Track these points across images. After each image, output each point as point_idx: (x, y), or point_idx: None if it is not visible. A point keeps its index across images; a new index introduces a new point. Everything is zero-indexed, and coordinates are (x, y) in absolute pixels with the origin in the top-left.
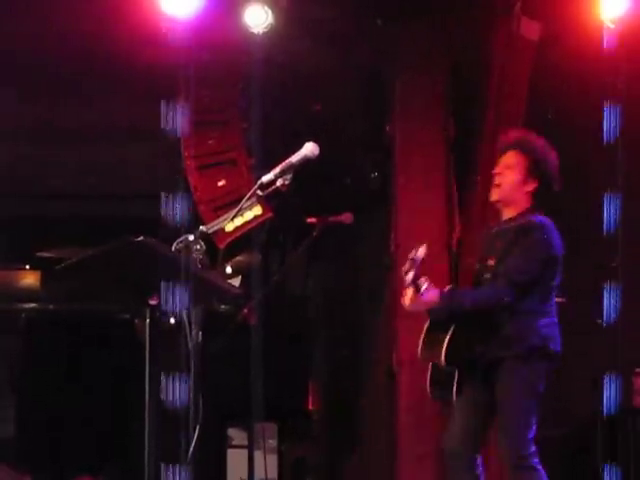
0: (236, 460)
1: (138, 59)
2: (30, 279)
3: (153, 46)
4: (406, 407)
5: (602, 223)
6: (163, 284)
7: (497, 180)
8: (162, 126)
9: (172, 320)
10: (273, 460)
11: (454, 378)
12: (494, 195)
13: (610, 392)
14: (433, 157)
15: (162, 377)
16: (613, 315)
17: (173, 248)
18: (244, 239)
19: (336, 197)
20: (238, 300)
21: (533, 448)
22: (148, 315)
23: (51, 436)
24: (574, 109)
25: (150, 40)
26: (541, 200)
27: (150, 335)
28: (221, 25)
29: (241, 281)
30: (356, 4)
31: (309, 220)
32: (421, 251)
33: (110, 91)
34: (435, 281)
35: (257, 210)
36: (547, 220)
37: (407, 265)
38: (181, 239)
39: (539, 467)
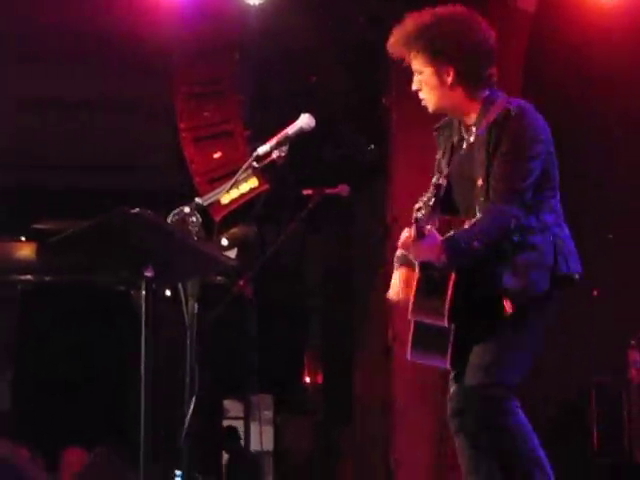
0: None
1: (134, 31)
2: (26, 251)
3: (149, 17)
4: (401, 381)
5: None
6: (159, 256)
7: (421, 95)
8: (158, 98)
9: (168, 292)
10: (269, 432)
11: (449, 337)
12: (429, 109)
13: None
14: (430, 127)
15: (159, 349)
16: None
17: (169, 220)
18: (240, 211)
19: (332, 169)
20: (234, 272)
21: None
22: (144, 287)
23: (47, 408)
24: (571, 81)
25: (146, 11)
26: None
27: (146, 306)
28: None
29: (237, 253)
30: None
31: (305, 192)
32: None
33: (107, 63)
34: None
35: (253, 182)
36: (524, 102)
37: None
38: (177, 211)
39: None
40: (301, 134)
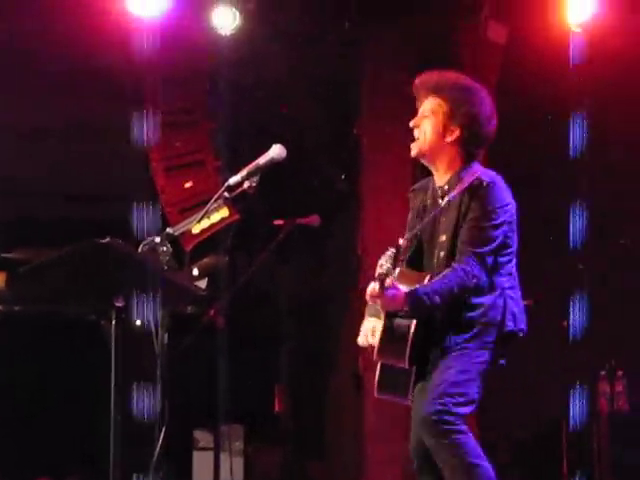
0: (202, 462)
1: (104, 59)
2: None
3: (120, 46)
4: (372, 410)
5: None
6: (129, 286)
7: (415, 134)
8: (129, 127)
9: (138, 322)
10: (239, 462)
11: (410, 377)
12: (413, 150)
13: (577, 396)
14: (401, 158)
15: (128, 380)
16: (581, 319)
17: (140, 250)
18: (211, 241)
19: (304, 199)
20: (205, 302)
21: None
22: (114, 317)
23: (16, 437)
24: (541, 112)
25: (117, 40)
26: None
27: (116, 337)
28: (188, 26)
29: (208, 283)
30: (323, 7)
31: (276, 222)
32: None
33: (76, 91)
34: None
35: (224, 212)
36: (495, 175)
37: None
38: (147, 241)
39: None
40: (272, 164)
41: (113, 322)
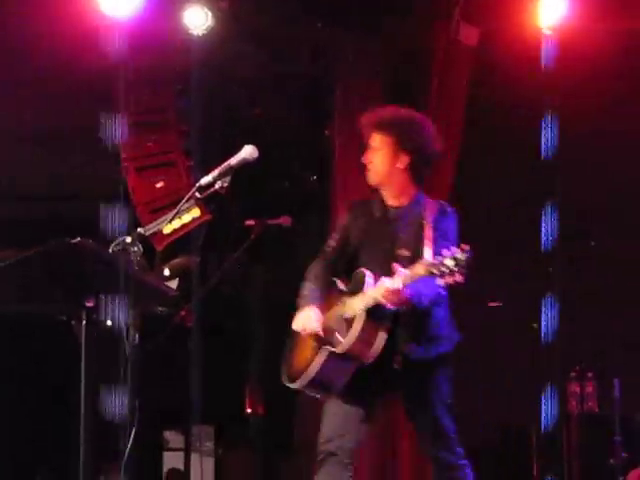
0: (172, 463)
1: (75, 59)
2: None
3: (90, 46)
4: None
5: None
6: (100, 286)
7: (369, 166)
8: (100, 128)
9: (109, 322)
10: (210, 463)
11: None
12: (370, 179)
13: (547, 399)
14: None
15: (98, 380)
16: (551, 322)
17: (110, 250)
18: (182, 241)
19: (274, 200)
20: (175, 302)
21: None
22: (85, 317)
23: None
24: (512, 114)
25: (87, 40)
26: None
27: (86, 337)
28: (160, 26)
29: (178, 283)
30: (295, 7)
31: (247, 223)
32: None
33: (47, 92)
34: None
35: (195, 212)
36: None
37: None
38: (118, 241)
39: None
40: (244, 165)
41: (84, 322)
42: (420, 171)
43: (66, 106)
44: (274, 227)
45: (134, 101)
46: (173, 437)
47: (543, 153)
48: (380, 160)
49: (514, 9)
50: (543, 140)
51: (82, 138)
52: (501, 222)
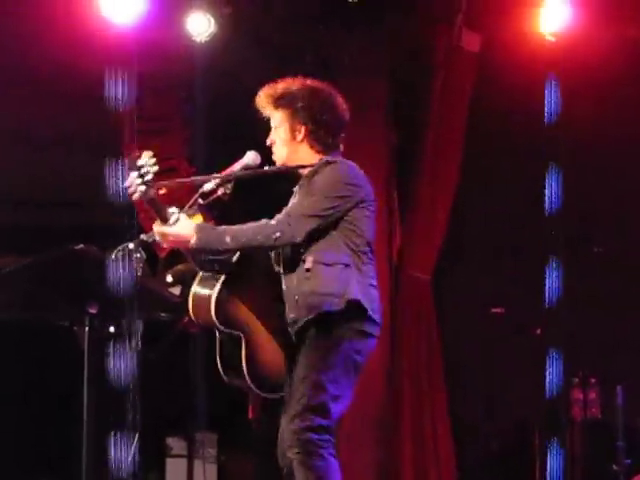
0: (175, 470)
1: (78, 66)
2: None
3: (94, 53)
4: (346, 415)
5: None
6: (103, 292)
7: (273, 148)
8: (103, 133)
9: (112, 329)
10: (213, 470)
11: (241, 349)
12: (276, 159)
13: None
14: (374, 165)
15: (101, 385)
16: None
17: (113, 256)
18: None
19: (277, 205)
20: (178, 309)
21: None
22: (88, 323)
23: None
24: (515, 120)
25: (91, 47)
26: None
27: (89, 343)
28: (163, 32)
29: (181, 290)
30: (298, 12)
31: None
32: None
33: (50, 98)
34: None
35: (198, 219)
36: (344, 159)
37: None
38: (121, 247)
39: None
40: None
41: (86, 329)
42: (321, 139)
43: (69, 113)
44: None
45: (137, 108)
46: (176, 444)
47: (546, 158)
48: (281, 136)
49: (517, 15)
50: (545, 145)
51: (86, 144)
52: (504, 228)
